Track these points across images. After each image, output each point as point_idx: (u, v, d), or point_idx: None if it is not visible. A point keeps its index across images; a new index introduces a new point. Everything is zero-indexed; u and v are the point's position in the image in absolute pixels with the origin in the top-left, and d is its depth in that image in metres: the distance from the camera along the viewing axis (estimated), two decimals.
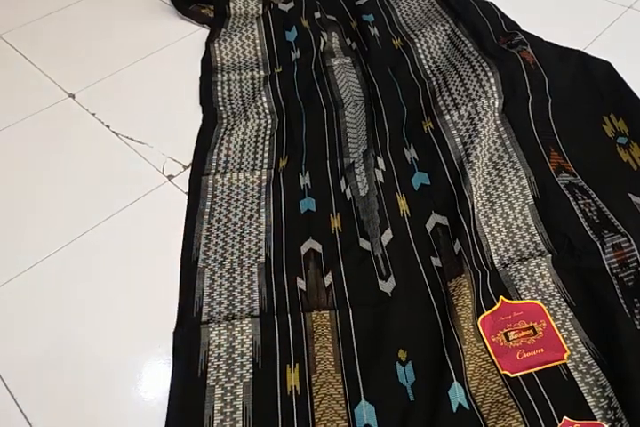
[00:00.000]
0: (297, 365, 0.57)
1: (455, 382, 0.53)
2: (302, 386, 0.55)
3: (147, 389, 0.58)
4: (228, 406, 0.54)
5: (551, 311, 0.57)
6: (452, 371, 0.54)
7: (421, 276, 0.64)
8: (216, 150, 0.81)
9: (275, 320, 0.60)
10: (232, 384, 0.55)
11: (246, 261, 0.67)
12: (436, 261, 0.65)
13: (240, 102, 0.90)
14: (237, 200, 0.75)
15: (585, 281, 0.59)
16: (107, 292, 0.66)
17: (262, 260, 0.67)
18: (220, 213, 0.73)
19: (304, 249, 0.68)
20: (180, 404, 0.54)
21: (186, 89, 0.93)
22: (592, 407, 0.51)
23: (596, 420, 0.50)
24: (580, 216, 0.65)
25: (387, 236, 0.67)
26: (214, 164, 0.80)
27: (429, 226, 0.69)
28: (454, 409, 0.52)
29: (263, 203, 0.74)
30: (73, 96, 0.94)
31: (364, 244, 0.67)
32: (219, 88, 0.93)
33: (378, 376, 0.56)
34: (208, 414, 0.54)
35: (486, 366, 0.55)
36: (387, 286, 0.63)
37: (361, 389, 0.55)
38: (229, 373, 0.56)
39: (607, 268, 0.59)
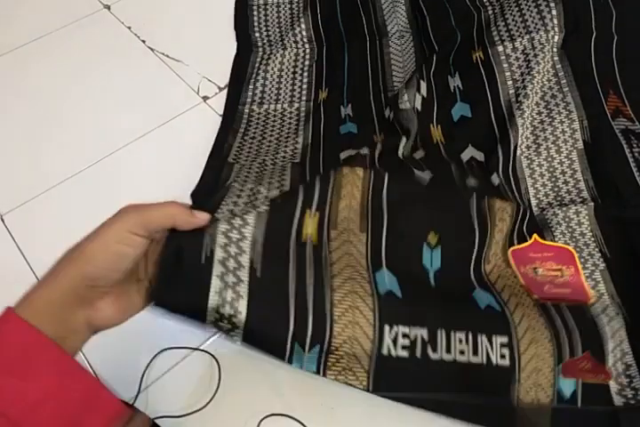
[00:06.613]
0: (317, 214, 0.50)
1: (477, 289, 0.51)
2: (319, 238, 0.48)
3: None
4: (235, 232, 0.45)
5: (582, 260, 0.55)
6: (475, 281, 0.51)
7: (456, 176, 0.58)
8: (252, 80, 0.78)
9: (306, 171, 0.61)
10: (245, 211, 0.47)
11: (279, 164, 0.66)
12: (471, 182, 0.59)
13: (277, 29, 0.85)
14: (274, 125, 0.73)
15: (626, 234, 0.56)
16: None
17: (297, 160, 0.66)
18: (255, 132, 0.71)
19: (343, 155, 0.62)
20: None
21: (224, 7, 0.89)
22: (606, 354, 0.49)
23: (604, 366, 0.48)
24: (632, 165, 0.61)
25: (419, 153, 0.62)
26: (250, 93, 0.77)
27: (465, 156, 0.64)
28: (482, 307, 0.50)
29: (302, 127, 0.71)
30: (108, 7, 0.91)
31: (402, 147, 0.61)
32: (254, 12, 0.87)
33: (402, 251, 0.51)
34: (210, 234, 0.43)
35: (515, 286, 0.53)
36: (424, 175, 0.57)
37: (383, 257, 0.50)
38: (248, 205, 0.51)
39: None
